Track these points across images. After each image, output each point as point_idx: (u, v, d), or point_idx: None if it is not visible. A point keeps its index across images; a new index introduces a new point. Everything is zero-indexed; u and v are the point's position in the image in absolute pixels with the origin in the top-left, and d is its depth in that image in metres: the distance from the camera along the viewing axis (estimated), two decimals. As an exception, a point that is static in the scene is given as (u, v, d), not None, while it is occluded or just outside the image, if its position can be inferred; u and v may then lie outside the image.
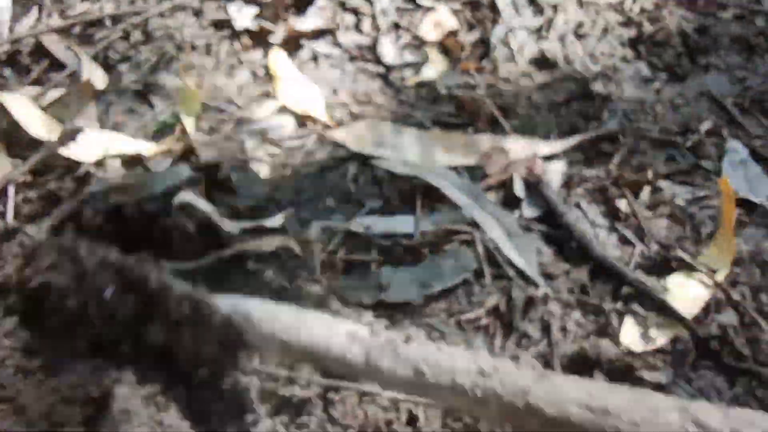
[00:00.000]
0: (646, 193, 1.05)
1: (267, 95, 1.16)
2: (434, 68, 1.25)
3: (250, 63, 1.22)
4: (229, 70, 1.20)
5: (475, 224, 1.00)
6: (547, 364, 0.87)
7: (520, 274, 0.95)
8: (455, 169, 1.08)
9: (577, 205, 1.04)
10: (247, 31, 1.24)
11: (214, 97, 1.13)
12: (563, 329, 0.90)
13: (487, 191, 1.05)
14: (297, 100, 1.14)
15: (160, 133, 1.08)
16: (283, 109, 1.13)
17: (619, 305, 0.91)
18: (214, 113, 1.11)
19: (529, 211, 1.03)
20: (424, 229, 1.00)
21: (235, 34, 1.25)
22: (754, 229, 1.00)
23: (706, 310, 0.90)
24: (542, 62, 1.25)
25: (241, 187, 1.03)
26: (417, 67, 1.25)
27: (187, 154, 1.04)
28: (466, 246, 0.99)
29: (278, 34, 1.25)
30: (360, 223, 1.00)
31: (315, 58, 1.24)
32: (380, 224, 1.01)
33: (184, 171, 0.97)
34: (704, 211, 1.02)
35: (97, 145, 1.03)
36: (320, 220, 1.01)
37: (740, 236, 0.98)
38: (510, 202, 1.05)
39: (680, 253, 0.95)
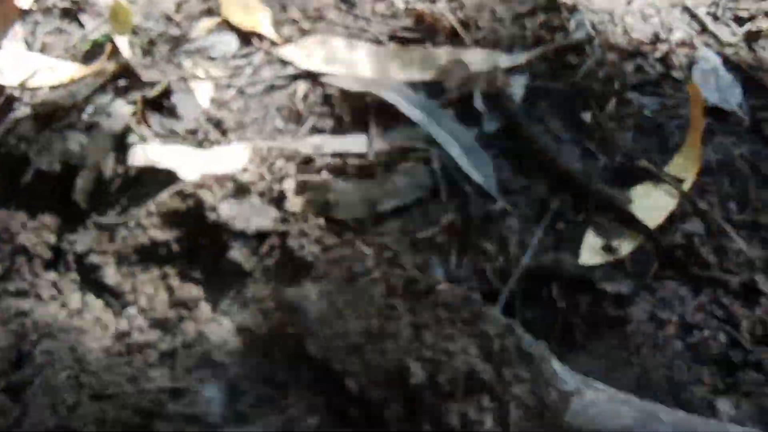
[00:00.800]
0: (612, 104, 0.99)
1: (209, 12, 1.08)
2: (392, -18, 1.17)
3: (192, -23, 1.13)
4: (170, -13, 1.12)
5: (432, 141, 0.95)
6: (504, 279, 0.83)
7: (479, 190, 0.90)
8: (412, 85, 1.02)
9: (540, 119, 0.98)
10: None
11: (148, 14, 1.05)
12: (521, 244, 0.85)
13: (445, 107, 0.99)
14: (242, 16, 1.06)
15: (90, 54, 1.00)
16: (226, 26, 1.06)
17: (580, 217, 0.87)
18: (149, 31, 1.03)
19: (489, 125, 0.97)
20: (379, 148, 0.95)
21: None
22: (723, 137, 0.95)
23: (671, 220, 0.86)
24: (506, -27, 1.18)
25: (181, 109, 0.96)
26: (373, -19, 1.17)
27: (121, 75, 0.97)
28: (422, 164, 0.94)
29: (223, -55, 1.16)
30: (309, 143, 0.95)
31: (263, -27, 1.16)
32: (331, 143, 0.95)
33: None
34: (673, 121, 0.97)
35: (23, 68, 0.96)
36: (266, 141, 0.95)
37: (709, 145, 0.93)
38: (470, 117, 0.99)
39: (646, 164, 0.90)
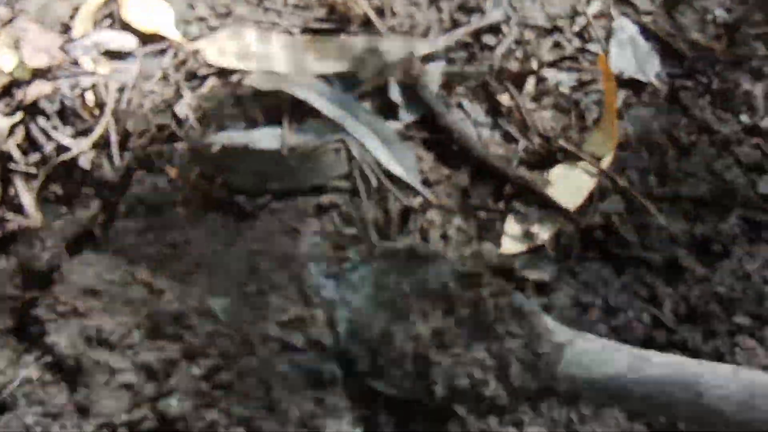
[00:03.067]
0: (530, 84, 0.97)
1: (110, 16, 1.03)
2: (306, -30, 1.13)
3: (91, -19, 1.08)
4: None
5: (350, 136, 0.92)
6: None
7: (399, 183, 0.88)
8: (327, 77, 0.99)
9: (459, 105, 0.96)
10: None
11: (40, 20, 0.99)
12: (444, 237, 0.83)
13: (361, 99, 0.96)
14: (142, 17, 1.01)
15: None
16: (127, 28, 1.01)
17: (500, 205, 0.85)
18: (43, 37, 0.98)
19: (407, 116, 0.95)
20: (293, 143, 0.91)
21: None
22: (641, 109, 0.94)
23: (591, 199, 0.84)
24: (421, -46, 1.15)
25: (72, 117, 0.92)
26: (285, -30, 1.13)
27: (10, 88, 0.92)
28: (337, 155, 0.91)
29: (121, -55, 1.11)
30: (218, 140, 0.91)
31: (167, -31, 1.11)
32: (240, 139, 0.91)
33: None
34: (590, 96, 0.95)
35: None
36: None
37: (627, 118, 0.92)
38: (387, 108, 0.96)
39: (564, 143, 0.89)
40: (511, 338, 0.63)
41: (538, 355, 0.62)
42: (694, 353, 0.75)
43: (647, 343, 0.75)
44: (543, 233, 0.81)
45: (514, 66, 0.99)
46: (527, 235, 0.82)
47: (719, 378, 0.61)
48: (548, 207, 0.83)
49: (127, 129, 0.93)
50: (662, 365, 0.63)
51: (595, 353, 0.64)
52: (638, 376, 0.61)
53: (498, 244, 0.82)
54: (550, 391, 0.63)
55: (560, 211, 0.83)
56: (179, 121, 0.94)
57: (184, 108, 0.96)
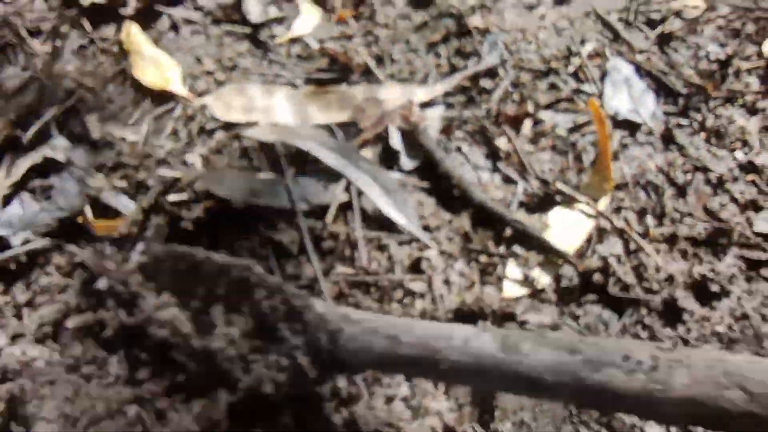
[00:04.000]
0: (527, 127, 1.00)
1: (122, 73, 1.08)
2: (308, 21, 1.17)
3: (102, 41, 1.12)
4: (79, 52, 1.11)
5: (350, 185, 0.95)
6: (434, 318, 0.83)
7: (401, 231, 0.90)
8: (329, 127, 1.02)
9: (458, 150, 0.99)
10: (95, 6, 1.14)
11: (57, 83, 1.04)
12: (446, 282, 0.85)
13: (362, 147, 1.00)
14: (152, 76, 1.05)
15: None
16: (137, 86, 1.05)
17: (501, 249, 0.87)
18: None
19: (408, 162, 0.98)
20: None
21: (83, 12, 1.15)
22: (637, 149, 0.96)
23: (589, 241, 0.86)
24: (419, 1, 1.18)
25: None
26: (288, 22, 1.17)
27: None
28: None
29: (130, 4, 1.15)
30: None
31: (174, 26, 1.15)
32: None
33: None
34: (586, 137, 0.97)
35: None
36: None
37: (623, 159, 0.94)
38: (388, 156, 0.99)
39: (561, 186, 0.90)
40: (294, 335, 0.66)
41: (319, 347, 0.65)
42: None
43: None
44: (543, 278, 0.83)
45: (511, 109, 1.01)
46: (528, 280, 0.83)
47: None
48: (547, 251, 0.85)
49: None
50: (412, 344, 0.65)
51: (358, 338, 0.66)
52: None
53: (499, 289, 0.84)
54: (340, 365, 0.67)
55: (559, 254, 0.84)
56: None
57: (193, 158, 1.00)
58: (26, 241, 0.89)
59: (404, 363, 0.65)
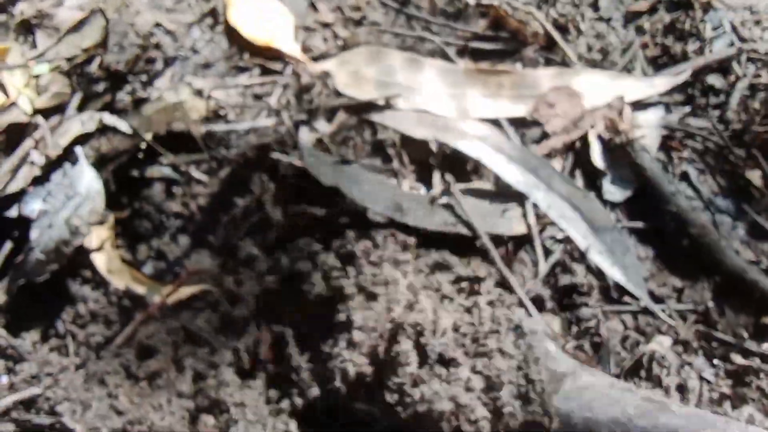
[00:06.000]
0: (785, 153, 0.71)
1: (213, 14, 0.77)
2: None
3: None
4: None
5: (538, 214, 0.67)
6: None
7: (620, 291, 0.63)
8: (497, 123, 0.73)
9: (684, 176, 0.70)
10: None
11: (124, 34, 0.73)
12: (681, 388, 0.59)
13: (548, 158, 0.71)
14: (253, 26, 0.75)
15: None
16: (232, 36, 0.75)
17: (765, 345, 0.60)
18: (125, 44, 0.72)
19: (614, 191, 0.69)
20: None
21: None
22: None
23: None
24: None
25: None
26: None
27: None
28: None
29: None
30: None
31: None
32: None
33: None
34: None
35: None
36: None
37: None
38: (584, 175, 0.71)
39: None
40: (502, 357, 0.54)
41: (531, 382, 0.53)
42: None
43: None
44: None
45: (757, 124, 0.72)
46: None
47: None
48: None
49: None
50: (680, 416, 0.50)
51: (601, 390, 0.53)
52: (649, 423, 0.50)
53: (765, 408, 0.57)
54: (538, 427, 0.53)
55: None
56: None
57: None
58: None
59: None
